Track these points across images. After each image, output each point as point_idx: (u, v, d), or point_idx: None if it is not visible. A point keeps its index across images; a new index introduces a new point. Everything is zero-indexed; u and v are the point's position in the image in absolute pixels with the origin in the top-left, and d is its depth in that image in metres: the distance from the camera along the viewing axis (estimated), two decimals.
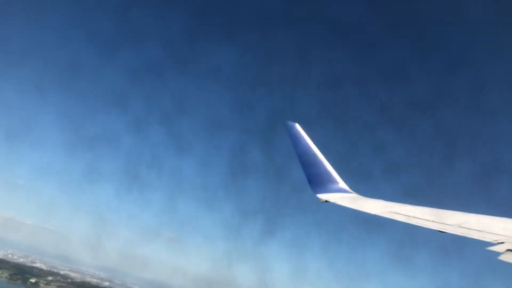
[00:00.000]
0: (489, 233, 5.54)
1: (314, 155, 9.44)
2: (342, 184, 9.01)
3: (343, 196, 8.61)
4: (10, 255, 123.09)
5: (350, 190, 8.87)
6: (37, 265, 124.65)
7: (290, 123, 9.95)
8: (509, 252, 4.81)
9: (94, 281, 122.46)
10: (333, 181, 9.06)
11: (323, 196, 8.67)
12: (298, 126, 9.87)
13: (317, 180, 9.13)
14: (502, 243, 5.12)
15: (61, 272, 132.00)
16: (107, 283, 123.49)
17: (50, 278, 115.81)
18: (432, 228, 6.12)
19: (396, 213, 7.00)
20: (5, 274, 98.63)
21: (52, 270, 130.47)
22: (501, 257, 4.75)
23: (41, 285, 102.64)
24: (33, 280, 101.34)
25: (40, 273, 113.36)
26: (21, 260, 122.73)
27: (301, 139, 9.67)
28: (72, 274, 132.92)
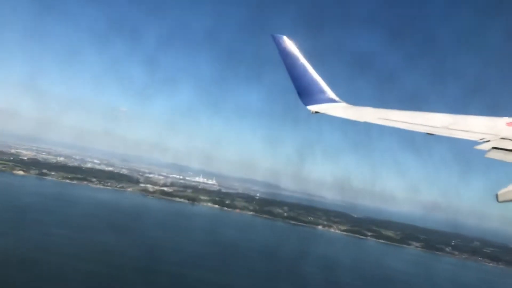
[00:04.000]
0: (475, 132, 5.59)
1: (303, 67, 9.25)
2: (331, 94, 9.21)
3: (332, 106, 8.85)
4: None
5: (339, 100, 9.13)
6: None
7: (278, 36, 9.41)
8: (494, 149, 4.88)
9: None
10: (322, 91, 9.18)
11: (313, 108, 8.87)
12: (286, 39, 9.41)
13: (306, 91, 9.15)
14: (488, 141, 5.18)
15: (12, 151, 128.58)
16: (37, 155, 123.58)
17: None
18: (421, 131, 6.21)
19: (385, 119, 7.10)
20: None
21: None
22: (488, 155, 4.81)
23: None
24: None
25: None
26: None
27: (289, 52, 9.34)
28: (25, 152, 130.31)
